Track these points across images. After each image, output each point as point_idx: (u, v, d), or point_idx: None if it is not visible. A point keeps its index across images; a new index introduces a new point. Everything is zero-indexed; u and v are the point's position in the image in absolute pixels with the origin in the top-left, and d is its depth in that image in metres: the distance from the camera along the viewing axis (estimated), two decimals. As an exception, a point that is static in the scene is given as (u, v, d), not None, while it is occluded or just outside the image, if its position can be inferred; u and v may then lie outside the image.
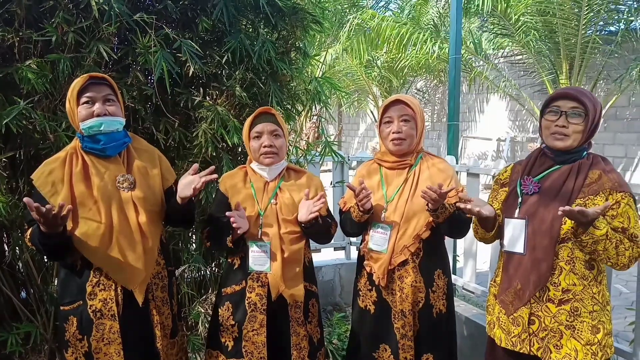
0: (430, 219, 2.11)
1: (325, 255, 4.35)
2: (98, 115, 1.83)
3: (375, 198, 2.19)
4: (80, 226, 1.80)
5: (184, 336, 2.20)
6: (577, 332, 1.78)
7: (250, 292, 2.06)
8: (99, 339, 1.83)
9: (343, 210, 2.33)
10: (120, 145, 1.92)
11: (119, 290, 1.86)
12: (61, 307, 1.88)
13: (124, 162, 1.93)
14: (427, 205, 2.03)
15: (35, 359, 2.53)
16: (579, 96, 1.79)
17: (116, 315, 1.85)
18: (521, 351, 1.86)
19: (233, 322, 2.08)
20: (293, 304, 2.09)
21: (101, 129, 1.84)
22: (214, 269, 3.07)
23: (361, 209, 2.11)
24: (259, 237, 2.07)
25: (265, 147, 2.08)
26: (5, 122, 2.09)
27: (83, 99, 1.83)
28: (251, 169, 2.18)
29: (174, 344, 2.08)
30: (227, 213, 1.96)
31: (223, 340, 2.10)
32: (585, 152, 1.85)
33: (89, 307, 1.83)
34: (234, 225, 1.95)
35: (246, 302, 2.06)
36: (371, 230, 2.20)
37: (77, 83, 1.83)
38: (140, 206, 1.90)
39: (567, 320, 1.78)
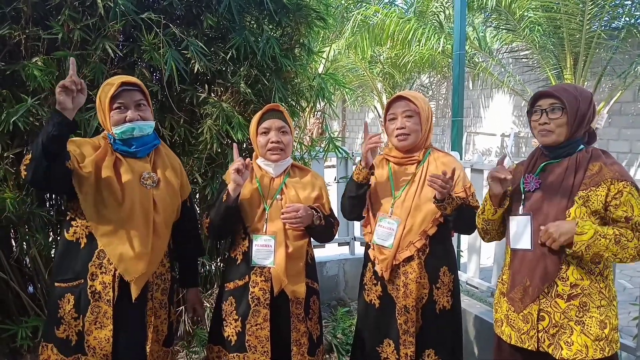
0: (437, 214, 2.12)
1: (329, 251, 4.36)
2: (130, 121, 1.88)
3: (383, 192, 2.22)
4: (102, 206, 1.85)
5: (177, 353, 2.21)
6: (587, 328, 1.79)
7: (254, 287, 2.08)
8: (92, 321, 1.85)
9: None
10: (150, 147, 1.99)
11: (116, 277, 1.87)
12: (56, 284, 1.88)
13: (150, 162, 1.99)
14: (434, 197, 2.04)
15: (43, 353, 2.56)
16: (554, 92, 1.84)
17: (111, 300, 1.86)
18: (529, 348, 1.86)
19: (236, 317, 2.10)
20: (294, 300, 2.11)
21: (134, 133, 1.90)
22: (219, 264, 3.09)
23: (363, 163, 2.13)
24: (264, 231, 2.09)
25: (272, 142, 2.10)
26: (13, 119, 2.11)
27: (115, 105, 1.87)
28: (257, 164, 2.20)
29: (166, 353, 2.08)
30: (237, 159, 1.97)
31: (226, 334, 2.11)
32: (582, 146, 1.87)
33: (88, 287, 1.85)
34: (238, 167, 1.95)
35: (249, 296, 2.08)
36: (376, 224, 2.22)
37: (109, 89, 1.87)
38: (159, 205, 1.95)
39: (577, 316, 1.79)
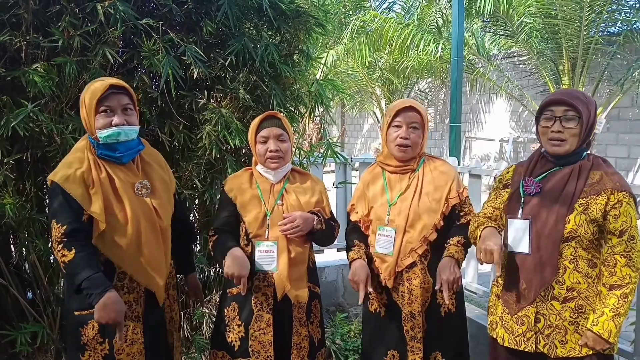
0: (436, 221, 2.13)
1: (328, 256, 4.36)
2: (117, 125, 1.82)
3: (380, 202, 2.23)
4: (109, 232, 1.81)
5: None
6: (581, 328, 1.80)
7: (257, 292, 2.09)
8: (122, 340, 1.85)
9: (350, 219, 2.34)
10: (135, 152, 1.94)
11: (142, 292, 1.89)
12: (76, 313, 1.84)
13: (137, 169, 1.95)
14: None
15: (42, 359, 2.56)
16: (570, 100, 1.81)
17: (140, 316, 1.88)
18: (525, 350, 1.87)
19: (239, 322, 2.10)
20: (297, 304, 2.11)
21: (119, 138, 1.83)
22: (217, 269, 3.09)
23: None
24: (266, 237, 2.10)
25: (271, 151, 2.11)
26: (12, 124, 2.12)
27: (102, 108, 1.81)
28: (257, 171, 2.21)
29: (179, 337, 2.14)
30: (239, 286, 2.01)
31: (229, 340, 2.12)
32: (585, 154, 1.88)
33: None
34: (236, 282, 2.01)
35: (252, 301, 2.09)
36: (377, 234, 2.22)
37: (96, 90, 1.81)
38: (159, 211, 1.94)
39: (571, 317, 1.81)
